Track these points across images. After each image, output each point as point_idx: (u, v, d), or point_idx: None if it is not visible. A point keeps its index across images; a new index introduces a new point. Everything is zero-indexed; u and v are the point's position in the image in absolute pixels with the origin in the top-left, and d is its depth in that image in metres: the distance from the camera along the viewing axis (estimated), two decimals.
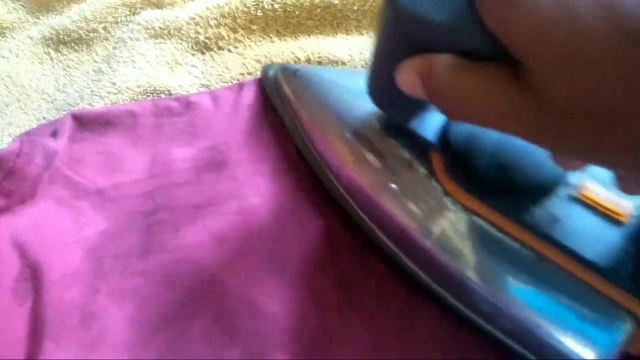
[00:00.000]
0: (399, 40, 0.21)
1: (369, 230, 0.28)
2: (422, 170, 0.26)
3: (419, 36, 0.20)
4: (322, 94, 0.30)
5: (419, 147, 0.26)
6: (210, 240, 0.29)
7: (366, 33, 0.38)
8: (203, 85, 0.36)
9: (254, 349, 0.26)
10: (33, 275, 0.28)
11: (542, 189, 0.23)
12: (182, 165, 0.32)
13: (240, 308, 0.27)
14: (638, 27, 0.14)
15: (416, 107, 0.26)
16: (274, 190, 0.31)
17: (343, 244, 0.29)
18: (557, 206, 0.23)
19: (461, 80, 0.18)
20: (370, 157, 0.27)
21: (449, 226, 0.24)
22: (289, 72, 0.33)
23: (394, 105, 0.26)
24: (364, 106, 0.28)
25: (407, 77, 0.21)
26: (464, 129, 0.25)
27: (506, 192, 0.23)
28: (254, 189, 0.31)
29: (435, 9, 0.19)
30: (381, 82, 0.25)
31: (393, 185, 0.26)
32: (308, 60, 0.37)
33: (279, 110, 0.33)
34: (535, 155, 0.24)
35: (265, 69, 0.34)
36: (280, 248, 0.29)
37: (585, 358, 0.21)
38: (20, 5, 0.42)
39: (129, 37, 0.37)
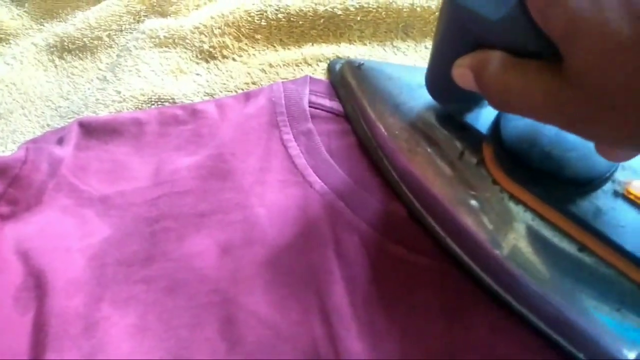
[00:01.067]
0: (456, 37, 0.23)
1: (419, 215, 0.30)
2: (473, 160, 0.28)
3: (474, 32, 0.22)
4: (383, 87, 0.32)
5: (472, 138, 0.28)
6: (215, 249, 0.30)
7: (369, 43, 0.39)
8: (207, 93, 0.36)
9: (257, 358, 0.26)
10: (36, 284, 0.28)
11: (588, 183, 0.25)
12: (187, 174, 0.32)
13: (244, 317, 0.27)
14: None
15: (470, 100, 0.29)
16: (279, 201, 0.32)
17: (352, 253, 0.30)
18: (602, 200, 0.24)
19: (510, 75, 0.20)
20: (424, 146, 0.29)
21: (495, 215, 0.26)
22: (353, 65, 0.35)
23: (450, 98, 0.29)
24: (421, 99, 0.30)
25: (462, 73, 0.23)
26: (515, 122, 0.27)
27: (553, 184, 0.25)
28: (260, 198, 0.31)
29: (490, 7, 0.20)
30: (438, 77, 0.27)
31: (445, 172, 0.28)
32: (313, 72, 0.38)
33: (343, 99, 0.35)
34: (583, 150, 0.25)
35: (331, 64, 0.37)
36: (285, 258, 0.29)
37: (628, 358, 0.22)
38: (25, 12, 0.42)
39: (134, 46, 0.37)
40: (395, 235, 0.30)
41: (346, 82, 0.35)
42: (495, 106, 0.22)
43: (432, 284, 0.29)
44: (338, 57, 0.38)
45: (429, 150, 0.29)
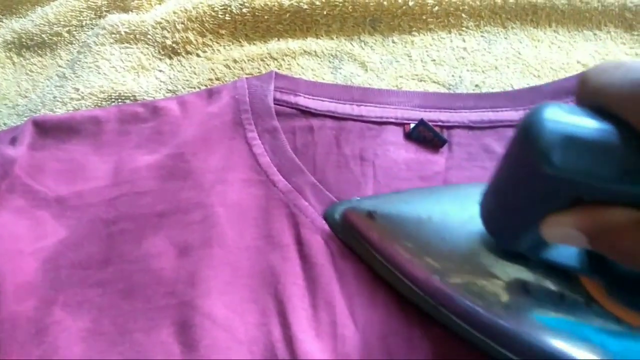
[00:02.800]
0: (543, 194, 0.19)
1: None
2: (579, 300, 0.23)
3: (576, 192, 0.18)
4: (417, 235, 0.27)
5: (562, 275, 0.24)
6: (172, 250, 0.29)
7: (336, 37, 0.38)
8: (170, 90, 0.36)
9: None
10: None
11: None
12: (147, 173, 0.32)
13: (200, 320, 0.26)
14: None
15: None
16: (241, 200, 0.31)
17: (315, 253, 0.29)
18: None
19: None
20: (507, 295, 0.24)
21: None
22: (362, 214, 0.29)
23: (527, 245, 0.23)
24: (470, 239, 0.25)
25: (566, 234, 0.19)
26: None
27: None
28: (220, 198, 0.31)
29: (599, 162, 0.17)
30: (510, 225, 0.22)
31: (551, 326, 0.23)
32: (279, 67, 0.37)
33: (363, 257, 0.29)
34: None
35: (328, 213, 0.30)
36: (244, 259, 0.29)
37: None
38: None
39: (94, 42, 0.36)
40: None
41: (363, 237, 0.29)
42: (626, 262, 0.19)
43: None
44: (306, 52, 0.37)
45: (514, 299, 0.24)
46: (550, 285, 0.24)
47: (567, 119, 0.17)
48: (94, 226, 0.30)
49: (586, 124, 0.17)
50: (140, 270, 0.28)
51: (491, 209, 0.23)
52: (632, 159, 0.16)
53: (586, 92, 0.19)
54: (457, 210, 0.27)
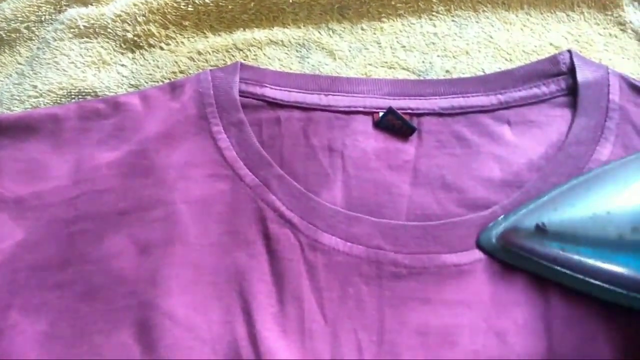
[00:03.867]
0: None
1: None
2: None
3: None
4: (598, 233, 0.26)
5: None
6: (134, 249, 0.28)
7: (303, 26, 0.37)
8: (132, 85, 0.35)
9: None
10: None
11: None
12: (108, 171, 0.31)
13: (160, 320, 0.26)
14: None
15: None
16: (205, 196, 0.30)
17: (282, 247, 0.28)
18: None
19: None
20: None
21: None
22: (529, 230, 0.27)
23: None
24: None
25: None
26: None
27: None
28: (184, 194, 0.30)
29: None
30: None
31: None
32: (245, 58, 0.36)
33: (537, 273, 0.27)
34: None
35: (482, 238, 0.28)
36: (208, 257, 0.28)
37: None
38: None
39: (52, 37, 0.35)
40: (330, 225, 0.29)
41: (534, 252, 0.27)
42: None
43: (369, 274, 0.28)
44: (272, 42, 0.35)
45: None
46: None
47: None
48: (54, 227, 0.29)
49: None
50: (100, 270, 0.28)
51: None
52: None
53: None
54: (629, 194, 0.26)
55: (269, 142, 0.32)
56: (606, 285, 0.26)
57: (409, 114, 0.33)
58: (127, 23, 0.35)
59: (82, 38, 0.35)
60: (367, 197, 0.31)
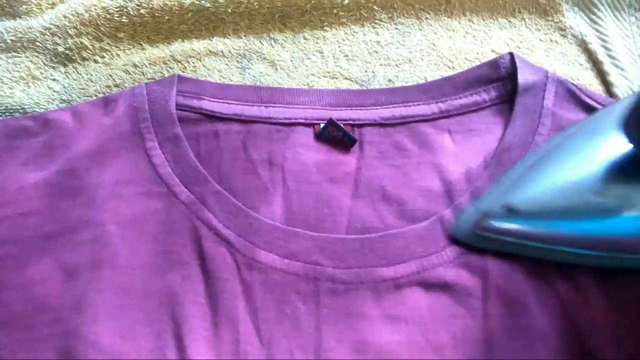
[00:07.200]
0: None
1: None
2: None
3: None
4: (566, 202, 0.27)
5: None
6: (59, 274, 0.27)
7: (244, 36, 0.36)
8: (64, 100, 0.33)
9: None
10: None
11: None
12: (33, 193, 0.29)
13: (83, 348, 0.25)
14: None
15: None
16: (137, 216, 0.29)
17: (218, 267, 0.27)
18: None
19: None
20: None
21: None
22: (500, 215, 0.28)
23: None
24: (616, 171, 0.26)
25: None
26: None
27: None
28: (113, 215, 0.28)
29: None
30: None
31: None
32: (183, 69, 0.35)
33: (516, 253, 0.28)
34: None
35: (456, 232, 0.29)
36: (138, 280, 0.27)
37: None
38: None
39: None
40: (268, 242, 0.28)
41: (510, 233, 0.28)
42: None
43: (306, 291, 0.27)
44: (212, 53, 0.35)
45: None
46: None
47: None
48: None
49: None
50: (21, 298, 0.26)
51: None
52: None
53: None
54: (584, 160, 0.27)
55: (207, 156, 0.31)
56: (580, 251, 0.27)
57: (350, 124, 0.32)
58: (58, 36, 0.34)
59: (10, 52, 0.34)
60: (308, 211, 0.30)
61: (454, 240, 0.28)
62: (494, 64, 0.33)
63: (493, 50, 0.36)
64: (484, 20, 0.37)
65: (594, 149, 0.28)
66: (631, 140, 0.25)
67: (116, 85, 0.34)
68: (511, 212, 0.28)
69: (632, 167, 0.26)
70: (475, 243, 0.28)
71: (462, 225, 0.29)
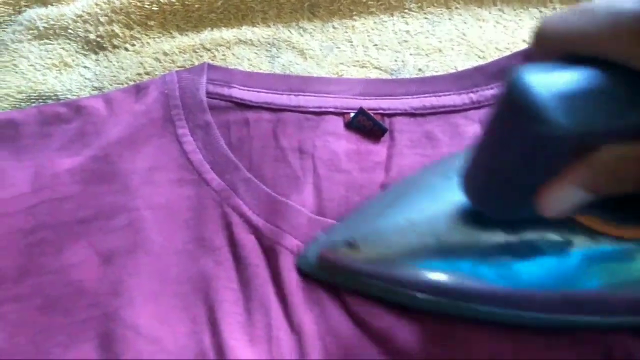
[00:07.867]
0: (546, 156, 0.18)
1: None
2: (586, 239, 0.23)
3: (579, 145, 0.17)
4: (405, 243, 0.25)
5: (551, 224, 0.23)
6: (96, 259, 0.27)
7: (273, 25, 0.36)
8: (96, 88, 0.33)
9: None
10: None
11: None
12: (69, 178, 0.30)
13: (122, 332, 0.25)
14: None
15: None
16: (170, 202, 0.29)
17: (248, 254, 0.28)
18: None
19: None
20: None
21: None
22: (341, 249, 0.26)
23: (511, 208, 0.22)
24: (457, 231, 0.24)
25: (566, 196, 0.18)
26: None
27: None
28: (147, 200, 0.29)
29: (598, 106, 0.16)
30: (508, 196, 0.21)
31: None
32: (213, 58, 0.35)
33: (356, 289, 0.26)
34: None
35: (302, 262, 0.27)
36: (173, 265, 0.27)
37: None
38: None
39: (11, 39, 0.33)
40: (296, 231, 0.28)
41: (348, 270, 0.26)
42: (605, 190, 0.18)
43: None
44: (241, 41, 0.34)
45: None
46: (554, 235, 0.23)
47: (552, 76, 0.17)
48: (11, 237, 0.28)
49: (571, 75, 0.17)
50: (59, 282, 0.26)
51: (480, 184, 0.22)
52: (628, 94, 0.16)
53: (549, 43, 0.18)
54: (430, 201, 0.26)
55: (237, 144, 0.32)
56: (419, 295, 0.25)
57: (380, 114, 0.32)
58: (89, 23, 0.34)
59: (42, 40, 0.34)
60: (338, 200, 0.30)
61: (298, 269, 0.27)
62: (526, 53, 0.33)
63: (524, 41, 0.35)
64: (514, 10, 0.37)
65: (440, 189, 0.26)
66: (468, 199, 0.23)
67: (147, 73, 0.34)
68: (351, 247, 0.26)
69: (472, 212, 0.24)
70: (317, 275, 0.27)
71: (305, 255, 0.27)
